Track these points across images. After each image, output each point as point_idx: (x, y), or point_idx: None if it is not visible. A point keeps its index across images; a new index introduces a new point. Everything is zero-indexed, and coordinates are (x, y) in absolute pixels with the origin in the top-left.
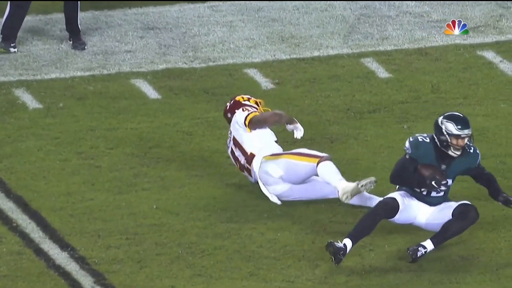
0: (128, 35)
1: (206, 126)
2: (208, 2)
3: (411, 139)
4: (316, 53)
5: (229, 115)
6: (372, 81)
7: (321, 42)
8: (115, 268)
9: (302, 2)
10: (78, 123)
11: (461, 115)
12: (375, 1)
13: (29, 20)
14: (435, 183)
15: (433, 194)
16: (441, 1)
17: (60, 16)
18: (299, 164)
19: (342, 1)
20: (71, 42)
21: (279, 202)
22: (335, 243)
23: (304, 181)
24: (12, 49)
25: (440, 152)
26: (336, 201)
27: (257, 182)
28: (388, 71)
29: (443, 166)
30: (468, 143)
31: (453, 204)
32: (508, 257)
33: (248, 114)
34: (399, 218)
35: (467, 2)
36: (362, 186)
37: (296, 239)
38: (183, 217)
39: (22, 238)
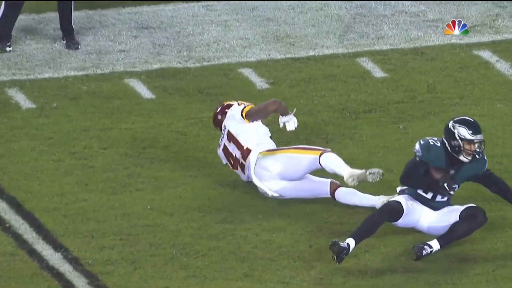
0: (122, 35)
1: (200, 126)
2: (203, 1)
3: (422, 142)
4: (311, 53)
5: (219, 116)
6: (368, 80)
7: (317, 41)
8: (108, 269)
9: (297, 1)
10: (71, 123)
11: (472, 120)
12: (371, 1)
13: (22, 19)
14: (447, 185)
15: (438, 198)
16: (437, 1)
17: (54, 15)
18: (300, 157)
19: (337, 1)
20: (64, 42)
21: (276, 194)
22: (339, 242)
23: (303, 176)
24: (8, 49)
25: (451, 156)
26: (332, 201)
27: (249, 181)
28: (384, 71)
29: (452, 171)
30: (478, 149)
31: (459, 208)
32: (504, 258)
33: (245, 107)
34: (401, 222)
35: (463, 1)
36: (370, 173)
37: (291, 240)
38: (177, 218)
39: (15, 239)
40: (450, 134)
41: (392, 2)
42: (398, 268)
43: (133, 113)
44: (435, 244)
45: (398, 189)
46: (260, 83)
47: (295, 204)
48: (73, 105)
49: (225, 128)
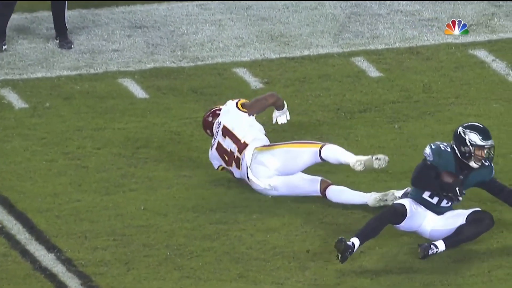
0: (115, 34)
1: (194, 126)
2: (197, 0)
3: (432, 147)
4: (306, 52)
5: (210, 118)
6: (363, 80)
7: (311, 41)
8: (102, 270)
9: (291, 0)
10: (64, 123)
11: (482, 125)
12: (366, 0)
13: (15, 18)
14: (459, 190)
15: (443, 204)
16: (433, 0)
17: (47, 15)
18: (299, 151)
19: (332, 0)
20: (57, 41)
21: (269, 187)
22: (346, 240)
23: (301, 170)
24: (4, 47)
25: (460, 162)
26: (327, 202)
27: (242, 177)
28: (379, 70)
29: (461, 177)
30: (488, 155)
31: (465, 211)
32: (500, 258)
33: (239, 100)
34: (404, 225)
35: (459, 1)
36: (376, 159)
37: (286, 241)
38: (171, 218)
39: (7, 240)
40: (460, 140)
41: (388, 1)
42: (393, 268)
43: (127, 113)
44: (440, 245)
45: (399, 193)
46: (254, 82)
47: (290, 204)
48: (66, 105)
49: (219, 125)
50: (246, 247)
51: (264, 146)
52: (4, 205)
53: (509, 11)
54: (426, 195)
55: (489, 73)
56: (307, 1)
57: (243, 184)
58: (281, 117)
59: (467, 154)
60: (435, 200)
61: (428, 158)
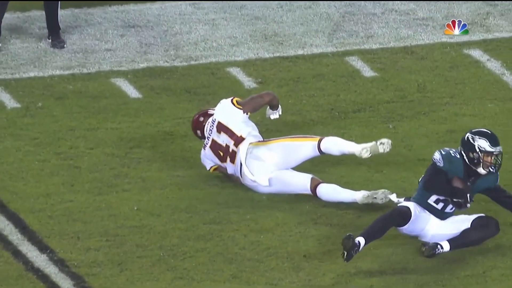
0: (108, 33)
1: (188, 126)
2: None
3: (443, 153)
4: (300, 52)
5: (201, 118)
6: (357, 80)
7: (305, 40)
8: (95, 271)
9: (285, 0)
10: (57, 123)
11: (490, 131)
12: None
13: (7, 17)
14: (469, 196)
15: (447, 209)
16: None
17: (39, 14)
18: (297, 144)
19: None
20: (50, 40)
21: (266, 183)
22: (355, 237)
23: (298, 163)
24: None
25: (468, 168)
26: (321, 202)
27: (234, 173)
28: (374, 70)
29: (468, 183)
30: (496, 161)
31: (468, 217)
32: (495, 259)
33: (234, 97)
34: (407, 228)
35: (453, 0)
36: (380, 143)
37: (279, 241)
38: (165, 219)
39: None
40: (469, 146)
41: (382, 0)
42: (387, 269)
43: (120, 113)
44: (446, 246)
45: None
46: (248, 82)
47: (283, 205)
48: (58, 104)
49: (213, 122)
50: (240, 248)
51: (260, 141)
52: None
53: (504, 10)
54: (431, 200)
55: (484, 72)
56: (301, 1)
57: (237, 185)
58: (273, 114)
59: (475, 160)
60: (440, 205)
61: (438, 164)
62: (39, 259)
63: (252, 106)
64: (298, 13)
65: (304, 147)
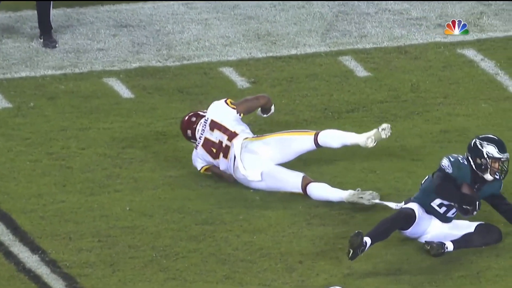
0: (100, 33)
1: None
2: None
3: (451, 159)
4: (293, 51)
5: (193, 119)
6: (351, 80)
7: (298, 40)
8: (86, 271)
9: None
10: (49, 123)
11: (497, 138)
12: None
13: None
14: (478, 203)
15: (449, 214)
16: None
17: (31, 14)
18: (293, 138)
19: None
20: (41, 40)
21: (258, 178)
22: (363, 236)
23: (295, 157)
24: None
25: (475, 175)
26: (314, 203)
27: (227, 169)
28: (367, 70)
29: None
30: (502, 168)
31: (471, 223)
32: (489, 260)
33: (228, 98)
34: (410, 230)
35: (447, 0)
36: (382, 129)
37: (272, 242)
38: (157, 219)
39: None
40: (476, 152)
41: (375, 0)
42: (381, 270)
43: (112, 112)
44: (450, 245)
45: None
46: (241, 82)
47: (277, 205)
48: (50, 104)
49: (206, 121)
50: (233, 248)
51: (254, 137)
52: None
53: (497, 10)
54: (435, 203)
55: (478, 72)
56: (294, 0)
57: (230, 185)
58: (267, 115)
59: (483, 167)
60: (442, 209)
61: (447, 170)
62: (31, 260)
63: (246, 108)
64: (291, 12)
65: (300, 141)
